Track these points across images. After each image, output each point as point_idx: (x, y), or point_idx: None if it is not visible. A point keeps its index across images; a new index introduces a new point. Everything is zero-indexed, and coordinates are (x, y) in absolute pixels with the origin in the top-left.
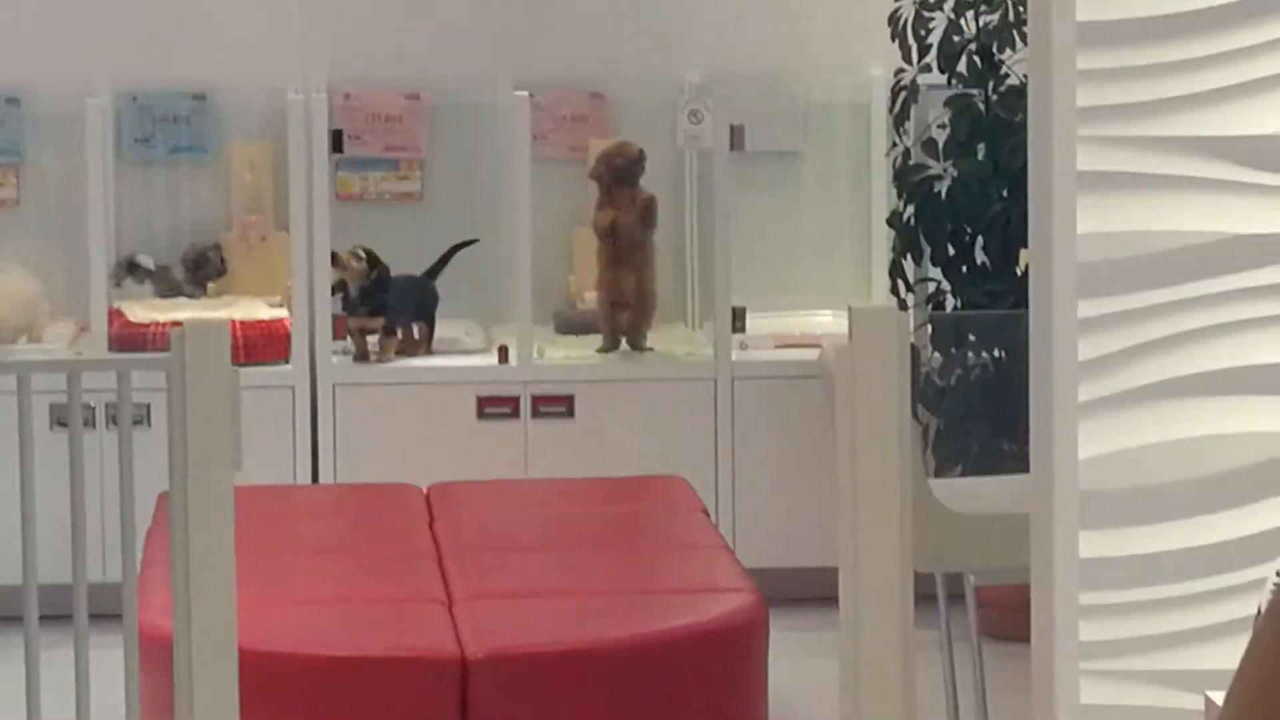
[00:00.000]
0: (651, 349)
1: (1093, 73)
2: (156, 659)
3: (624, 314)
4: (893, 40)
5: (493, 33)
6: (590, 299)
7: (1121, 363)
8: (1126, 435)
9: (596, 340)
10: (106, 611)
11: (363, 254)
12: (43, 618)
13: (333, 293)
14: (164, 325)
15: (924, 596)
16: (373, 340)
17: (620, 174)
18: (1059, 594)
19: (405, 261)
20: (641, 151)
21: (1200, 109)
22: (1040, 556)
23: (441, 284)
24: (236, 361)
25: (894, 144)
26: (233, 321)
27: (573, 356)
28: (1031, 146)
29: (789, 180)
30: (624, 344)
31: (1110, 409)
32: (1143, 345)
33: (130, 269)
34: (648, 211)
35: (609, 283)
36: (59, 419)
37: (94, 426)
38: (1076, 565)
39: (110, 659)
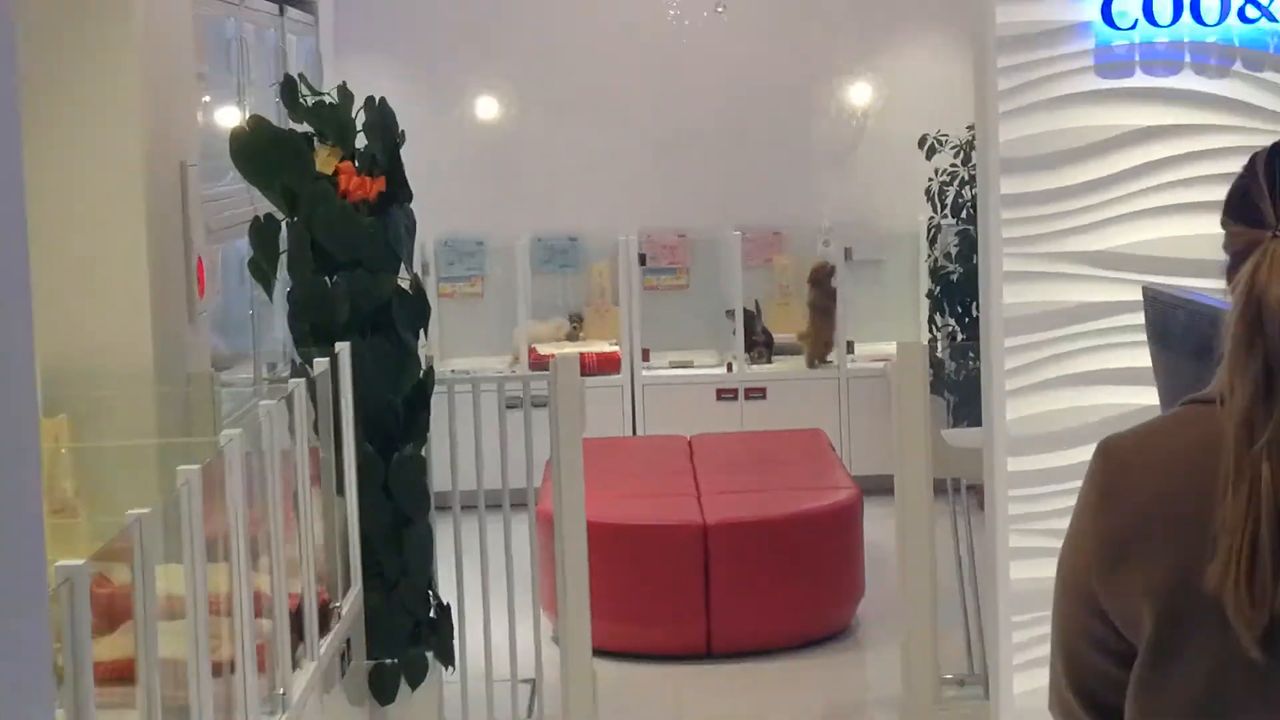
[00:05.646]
0: None
1: None
2: (546, 529)
3: None
4: None
5: None
6: None
7: None
8: None
9: None
10: (523, 503)
11: None
12: (487, 507)
13: None
14: (553, 356)
15: None
16: None
17: None
18: None
19: None
20: None
21: (1089, 233)
22: None
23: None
24: (588, 372)
25: None
26: (583, 354)
27: None
28: None
29: None
30: None
31: None
32: None
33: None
34: None
35: None
36: (507, 404)
37: (519, 410)
38: None
39: (521, 532)
